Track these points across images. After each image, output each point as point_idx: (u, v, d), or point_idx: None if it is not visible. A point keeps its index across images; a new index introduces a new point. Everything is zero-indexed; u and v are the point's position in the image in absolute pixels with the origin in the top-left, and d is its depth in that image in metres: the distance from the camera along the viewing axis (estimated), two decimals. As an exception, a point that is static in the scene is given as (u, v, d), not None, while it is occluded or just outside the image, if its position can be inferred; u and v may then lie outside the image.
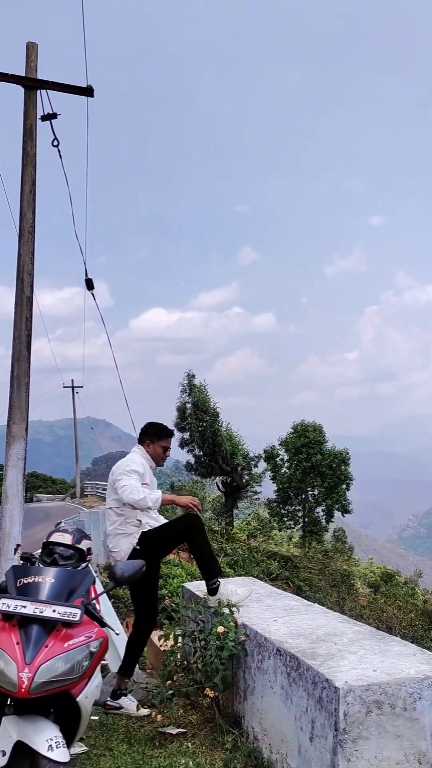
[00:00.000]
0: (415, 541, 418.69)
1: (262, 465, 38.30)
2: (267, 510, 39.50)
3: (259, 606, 4.77)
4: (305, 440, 36.20)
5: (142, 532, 4.85)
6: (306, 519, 37.15)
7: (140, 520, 4.87)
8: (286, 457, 37.63)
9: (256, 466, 37.83)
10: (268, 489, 40.60)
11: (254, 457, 37.62)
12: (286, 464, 37.68)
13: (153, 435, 5.18)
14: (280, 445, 37.99)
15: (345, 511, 37.19)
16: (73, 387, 52.13)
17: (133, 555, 4.71)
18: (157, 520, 5.03)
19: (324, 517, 37.48)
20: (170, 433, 5.29)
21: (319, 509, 37.63)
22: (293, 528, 38.77)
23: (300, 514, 37.55)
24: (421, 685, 3.13)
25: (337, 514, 38.05)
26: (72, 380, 52.85)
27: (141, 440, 5.22)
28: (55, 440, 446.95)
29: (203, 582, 4.99)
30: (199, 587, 5.42)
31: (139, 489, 4.65)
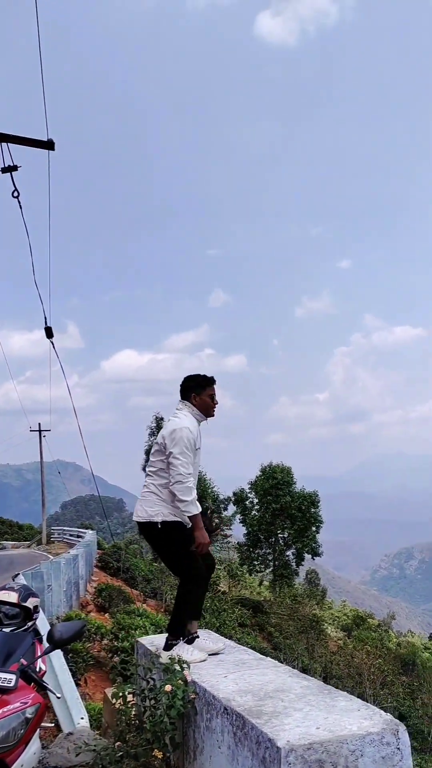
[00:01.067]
0: (387, 582, 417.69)
1: (233, 508, 38.11)
2: (237, 554, 39.15)
3: (212, 661, 4.73)
4: (273, 482, 36.23)
5: (165, 521, 4.62)
6: (276, 562, 36.88)
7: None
8: (255, 500, 37.55)
9: (225, 509, 37.63)
10: (238, 532, 40.32)
11: (224, 500, 37.44)
12: (255, 507, 37.56)
13: (196, 386, 4.85)
14: (249, 487, 37.93)
15: (315, 554, 37.05)
16: (40, 430, 51.49)
17: (147, 528, 4.65)
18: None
19: (294, 560, 37.26)
20: (212, 380, 4.92)
21: (289, 552, 37.43)
22: (263, 572, 38.43)
23: (270, 557, 37.27)
24: (363, 741, 3.11)
25: (310, 555, 37.89)
26: (39, 423, 52.22)
27: (185, 395, 4.89)
28: (23, 484, 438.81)
29: (161, 635, 4.92)
30: (153, 641, 5.35)
31: (191, 487, 4.54)
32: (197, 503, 4.60)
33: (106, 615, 13.80)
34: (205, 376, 4.92)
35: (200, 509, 4.60)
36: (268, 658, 4.81)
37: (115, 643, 8.79)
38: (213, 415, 4.89)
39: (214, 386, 4.91)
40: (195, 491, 4.63)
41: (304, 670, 23.32)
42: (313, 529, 36.52)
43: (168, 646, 4.68)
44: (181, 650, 4.60)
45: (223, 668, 4.50)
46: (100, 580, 19.29)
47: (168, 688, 3.98)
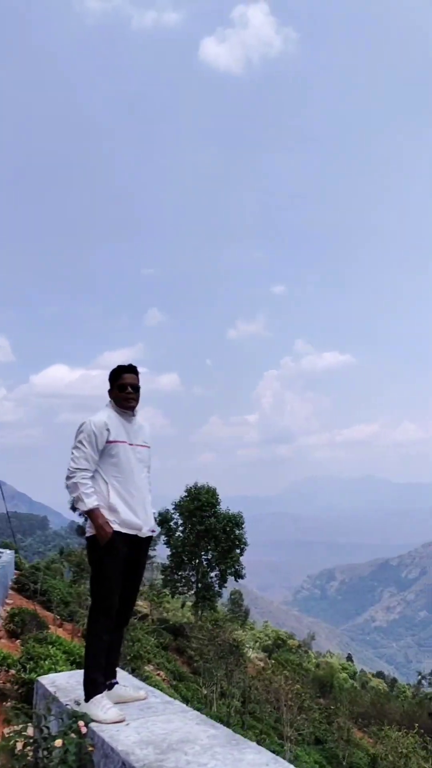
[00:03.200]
0: (309, 603, 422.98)
1: (157, 528, 37.62)
2: (161, 575, 38.57)
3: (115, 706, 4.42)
4: (198, 503, 35.97)
5: (87, 537, 4.23)
6: (199, 584, 36.50)
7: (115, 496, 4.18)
8: (180, 521, 37.16)
9: (150, 530, 37.17)
10: (163, 553, 39.76)
11: (149, 521, 36.97)
12: (180, 528, 37.17)
13: (109, 380, 4.45)
14: (174, 508, 37.54)
15: (238, 576, 36.91)
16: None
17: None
18: (134, 510, 4.26)
19: (217, 582, 37.01)
20: (122, 369, 4.43)
21: (213, 574, 37.15)
22: (186, 594, 37.99)
23: (194, 579, 36.87)
24: (269, 803, 2.92)
25: (233, 577, 37.71)
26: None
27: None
28: None
29: (64, 674, 4.52)
30: (54, 681, 4.98)
31: (79, 483, 4.11)
32: (90, 498, 4.11)
33: (18, 642, 13.07)
34: (116, 366, 4.49)
35: (94, 505, 4.10)
36: (176, 702, 4.55)
37: (23, 675, 8.22)
38: (130, 406, 4.40)
39: (126, 375, 4.43)
40: (87, 485, 4.14)
41: (223, 695, 23.04)
42: (237, 551, 36.37)
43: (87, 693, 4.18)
44: (95, 707, 4.08)
45: (127, 713, 4.20)
46: (14, 604, 18.41)
47: (58, 742, 3.64)
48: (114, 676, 4.52)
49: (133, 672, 17.96)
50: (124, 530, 4.20)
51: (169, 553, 37.08)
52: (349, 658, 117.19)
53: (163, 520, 37.21)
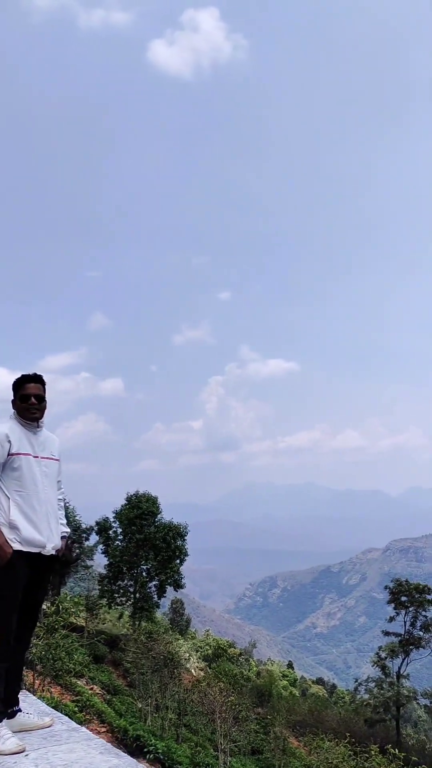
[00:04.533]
0: (251, 610, 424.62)
1: (96, 537, 36.83)
2: (98, 585, 37.71)
3: (17, 733, 4.11)
4: (138, 511, 35.42)
5: None
6: (138, 594, 35.91)
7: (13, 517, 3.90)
8: (119, 530, 36.49)
9: (87, 538, 36.26)
10: (102, 563, 39.01)
11: (86, 529, 36.07)
12: (119, 537, 36.49)
13: (13, 392, 4.17)
14: (114, 516, 36.85)
15: (178, 586, 36.51)
16: None
17: None
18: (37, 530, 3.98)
19: (156, 592, 36.50)
20: (26, 379, 4.20)
21: (152, 584, 36.62)
22: (124, 605, 37.28)
23: (132, 589, 36.25)
24: None
25: (172, 587, 37.30)
26: None
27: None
28: None
29: None
30: None
31: None
32: None
33: None
34: (20, 376, 4.25)
35: None
36: (82, 729, 4.27)
37: None
38: (33, 418, 4.15)
39: (29, 385, 4.20)
40: None
41: (158, 708, 22.63)
42: (177, 561, 35.99)
43: None
44: None
45: (27, 742, 3.91)
46: None
47: None
48: (16, 703, 4.21)
49: (64, 687, 17.42)
50: (25, 549, 3.92)
51: (107, 562, 36.36)
52: (290, 665, 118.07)
53: (101, 528, 36.49)
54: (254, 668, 78.43)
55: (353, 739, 14.87)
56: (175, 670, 21.05)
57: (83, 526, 36.39)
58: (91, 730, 17.69)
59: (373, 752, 11.90)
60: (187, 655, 44.05)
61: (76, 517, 35.95)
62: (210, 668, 44.35)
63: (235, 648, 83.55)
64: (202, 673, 38.70)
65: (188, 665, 41.21)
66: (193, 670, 42.39)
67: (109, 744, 3.92)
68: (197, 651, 61.13)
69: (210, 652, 68.05)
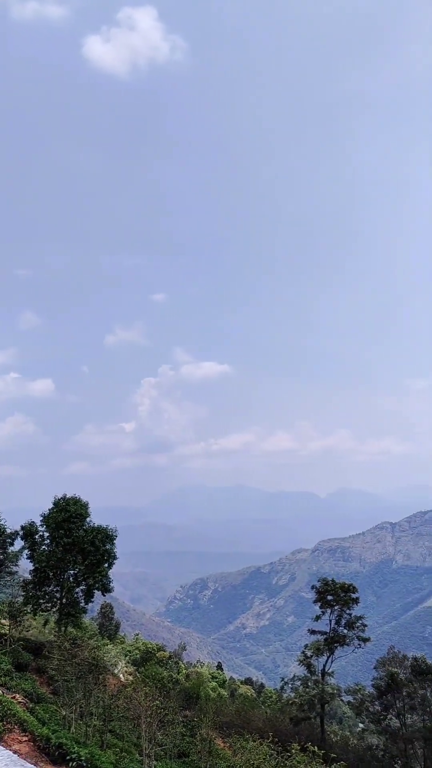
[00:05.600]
0: (181, 613, 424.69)
1: (21, 542, 35.88)
2: (22, 592, 36.74)
3: None
4: (66, 515, 34.74)
5: None
6: (64, 600, 35.22)
7: None
8: (46, 534, 35.69)
9: (12, 543, 35.30)
10: (28, 568, 38.06)
11: (11, 534, 35.11)
12: (45, 541, 35.68)
13: None
14: (41, 520, 36.00)
15: (106, 590, 36.04)
16: None
17: None
18: None
19: (83, 597, 35.89)
20: None
21: (78, 589, 35.98)
22: (50, 611, 36.45)
23: (58, 595, 35.51)
24: None
25: (100, 591, 36.77)
26: None
27: None
28: None
29: None
30: None
31: None
32: None
33: None
34: None
35: None
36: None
37: None
38: None
39: None
40: None
41: (83, 715, 22.31)
42: (105, 565, 35.52)
43: None
44: None
45: None
46: None
47: None
48: None
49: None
50: None
51: (33, 568, 35.49)
52: (220, 666, 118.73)
53: (27, 533, 35.60)
54: (183, 671, 78.45)
55: (276, 738, 15.08)
56: (101, 676, 20.79)
57: (8, 530, 35.43)
58: (12, 740, 17.25)
59: (294, 751, 12.11)
60: (115, 660, 43.60)
61: (0, 521, 34.99)
62: (138, 672, 44.03)
63: (164, 651, 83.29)
64: (130, 678, 38.36)
65: (116, 670, 40.77)
66: (121, 675, 41.97)
67: (16, 756, 3.84)
68: (126, 655, 60.60)
69: (139, 656, 67.62)
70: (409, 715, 44.26)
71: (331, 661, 42.82)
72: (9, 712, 17.01)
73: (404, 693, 43.65)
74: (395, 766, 42.19)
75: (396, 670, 43.95)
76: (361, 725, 53.13)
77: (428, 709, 43.76)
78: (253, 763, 11.48)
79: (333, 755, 14.37)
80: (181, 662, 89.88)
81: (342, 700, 47.86)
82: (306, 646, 43.39)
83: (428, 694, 43.93)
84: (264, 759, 11.62)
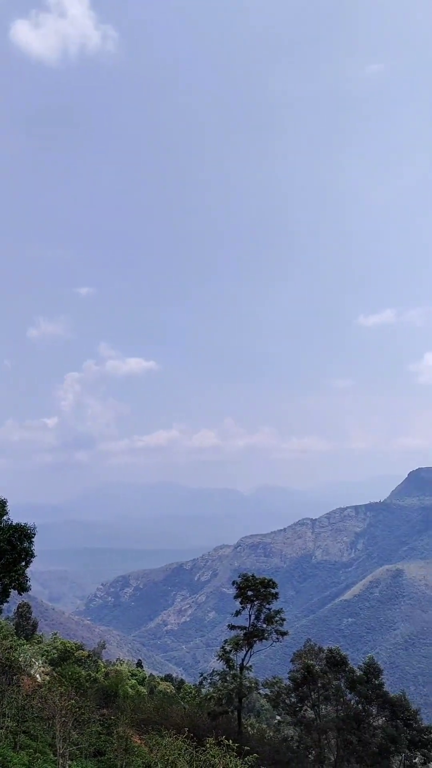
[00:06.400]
0: (102, 611, 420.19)
1: None
2: None
3: None
4: (-19, 513, 33.69)
5: None
6: (-22, 600, 34.14)
7: None
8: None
9: None
10: None
11: None
12: (-42, 540, 34.44)
13: None
14: None
15: (22, 589, 35.15)
16: None
17: None
18: None
19: (-2, 597, 34.91)
20: None
21: (-7, 589, 34.94)
22: (-37, 612, 35.29)
23: (-29, 595, 34.38)
24: None
25: (17, 591, 35.86)
26: None
27: None
28: None
29: None
30: None
31: None
32: None
33: None
34: None
35: None
36: None
37: None
38: None
39: None
40: None
41: (-4, 718, 21.70)
42: (23, 563, 34.64)
43: None
44: None
45: None
46: None
47: None
48: None
49: None
50: None
51: None
52: (140, 663, 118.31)
53: None
54: (102, 669, 77.63)
55: (192, 733, 15.20)
56: (14, 677, 20.30)
57: None
58: None
59: (208, 745, 12.24)
60: (31, 660, 42.63)
61: None
62: (55, 672, 43.27)
63: (83, 650, 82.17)
64: (47, 678, 37.60)
65: (31, 670, 39.88)
66: (37, 676, 41.07)
67: None
68: (43, 655, 59.35)
69: (56, 655, 66.37)
70: (323, 706, 45.53)
71: (250, 656, 43.44)
72: None
73: (319, 684, 44.86)
74: (309, 756, 43.34)
75: (312, 662, 45.09)
76: (278, 717, 54.22)
77: (342, 699, 45.17)
78: (168, 759, 11.54)
79: (247, 748, 14.64)
80: (100, 661, 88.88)
81: (260, 693, 48.67)
82: (225, 641, 43.84)
83: (342, 685, 45.34)
84: (179, 754, 11.69)
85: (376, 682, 44.97)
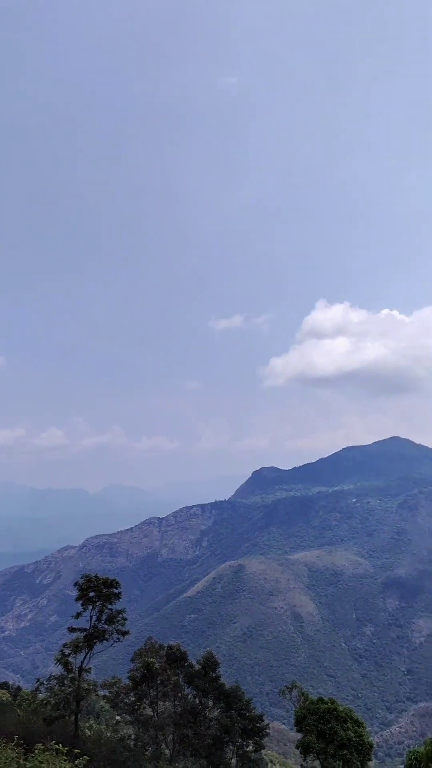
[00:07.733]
0: None
1: None
2: None
3: None
4: None
5: None
6: None
7: None
8: None
9: None
10: None
11: None
12: None
13: None
14: None
15: None
16: None
17: None
18: None
19: None
20: None
21: None
22: None
23: None
24: None
25: None
26: None
27: None
28: None
29: None
30: None
31: None
32: None
33: None
34: None
35: None
36: None
37: None
38: None
39: None
40: None
41: None
42: None
43: None
44: None
45: None
46: None
47: None
48: None
49: None
50: None
51: None
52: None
53: None
54: None
55: (23, 741, 14.82)
56: None
57: None
58: None
59: (37, 750, 12.05)
60: None
61: None
62: None
63: None
64: None
65: None
66: None
67: None
68: None
69: None
70: (162, 702, 46.23)
71: (90, 657, 42.99)
72: None
73: (158, 681, 45.49)
74: (146, 753, 43.76)
75: (152, 659, 45.61)
76: (117, 717, 54.10)
77: (180, 694, 46.13)
78: (-6, 770, 11.20)
79: (77, 750, 14.50)
80: None
81: (97, 694, 48.30)
82: (64, 644, 43.02)
83: (180, 680, 46.32)
84: (5, 763, 11.39)
85: (213, 675, 46.50)
